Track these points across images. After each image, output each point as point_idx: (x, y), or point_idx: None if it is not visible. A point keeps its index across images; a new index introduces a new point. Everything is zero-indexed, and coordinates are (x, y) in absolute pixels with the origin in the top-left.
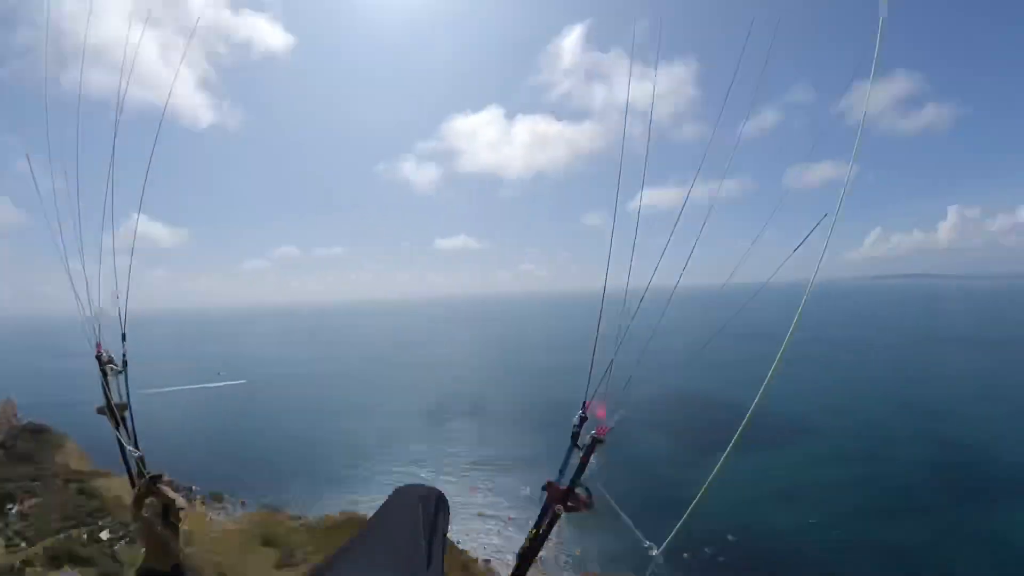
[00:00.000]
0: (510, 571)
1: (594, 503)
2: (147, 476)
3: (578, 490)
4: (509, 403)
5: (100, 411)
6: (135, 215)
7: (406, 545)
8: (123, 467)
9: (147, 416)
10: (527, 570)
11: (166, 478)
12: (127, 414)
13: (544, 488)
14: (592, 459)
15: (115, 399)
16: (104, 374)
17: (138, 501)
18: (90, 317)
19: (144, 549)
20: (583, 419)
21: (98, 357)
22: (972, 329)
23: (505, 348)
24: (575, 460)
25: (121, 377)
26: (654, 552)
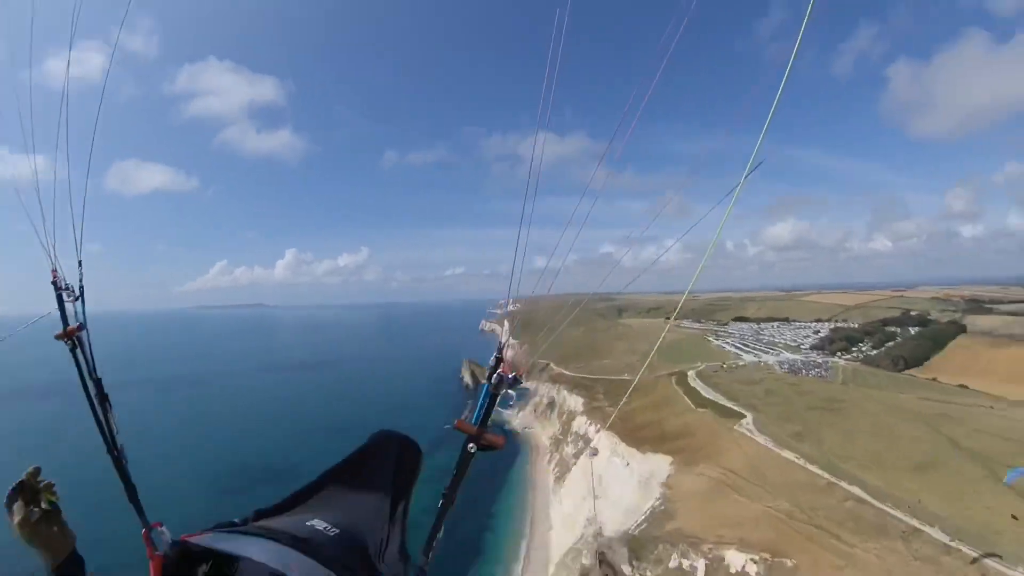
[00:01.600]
0: (435, 517)
1: (504, 441)
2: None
3: (490, 429)
4: None
5: (58, 337)
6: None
7: (376, 487)
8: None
9: None
10: (447, 512)
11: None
12: (83, 334)
13: (455, 428)
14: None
15: (71, 324)
16: (60, 300)
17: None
18: (46, 242)
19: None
20: (499, 360)
21: (54, 283)
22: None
23: None
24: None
25: (78, 303)
26: None
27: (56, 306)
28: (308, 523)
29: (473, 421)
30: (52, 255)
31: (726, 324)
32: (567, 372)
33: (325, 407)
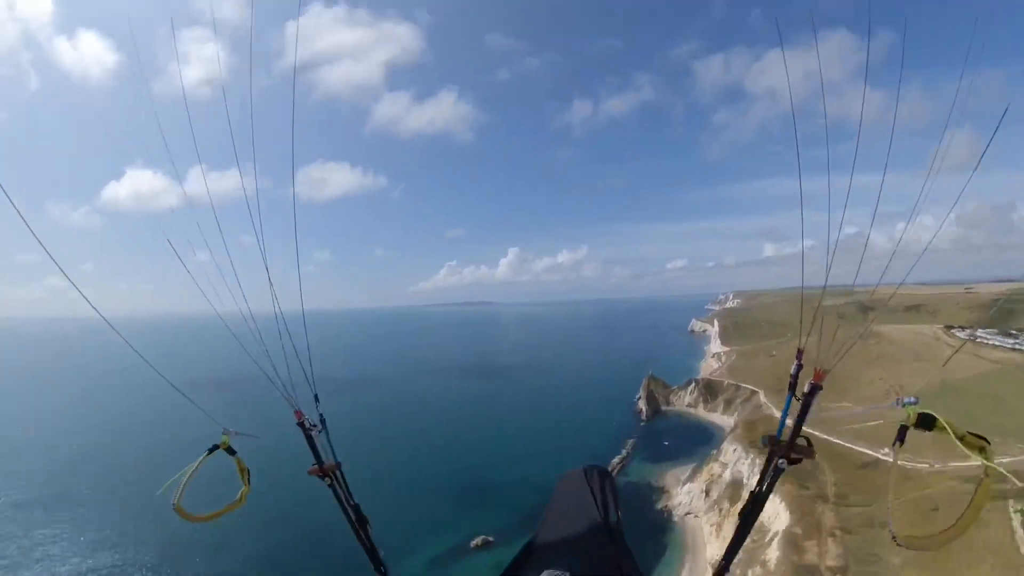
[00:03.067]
0: (733, 530)
1: (814, 451)
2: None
3: (799, 440)
4: None
5: (312, 472)
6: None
7: (584, 525)
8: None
9: None
10: (750, 528)
11: None
12: (338, 472)
13: (764, 443)
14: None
15: (325, 460)
16: (309, 438)
17: None
18: (288, 389)
19: None
20: (800, 367)
21: (300, 424)
22: None
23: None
24: (795, 411)
25: (323, 436)
26: None
27: (306, 444)
28: (541, 575)
29: (778, 434)
30: (294, 401)
31: None
32: (777, 413)
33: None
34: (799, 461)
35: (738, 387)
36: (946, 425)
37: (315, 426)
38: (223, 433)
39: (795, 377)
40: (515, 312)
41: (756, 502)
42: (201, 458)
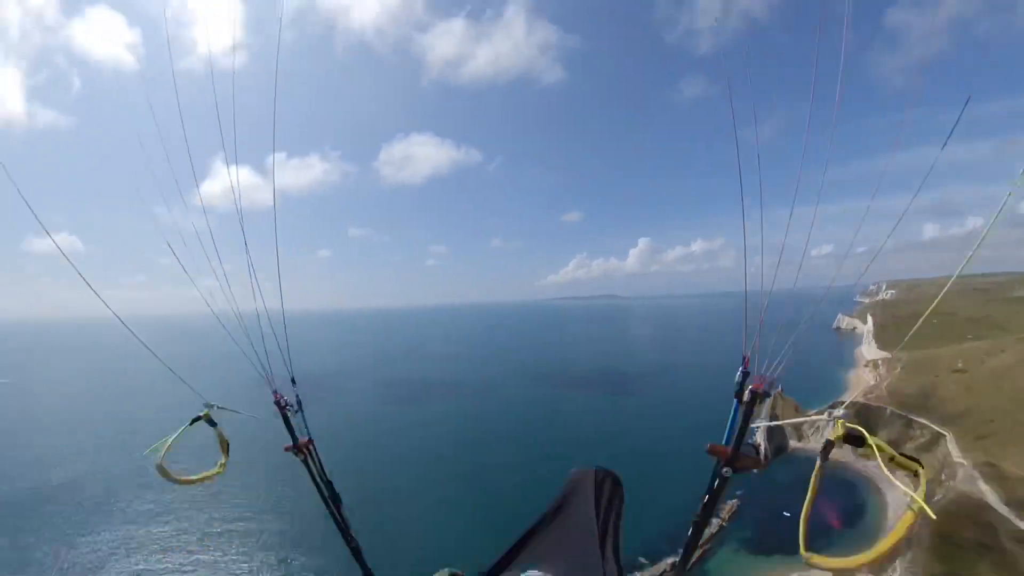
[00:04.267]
0: (684, 540)
1: (766, 459)
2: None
3: (744, 449)
4: None
5: (287, 449)
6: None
7: (582, 528)
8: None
9: None
10: (699, 538)
11: None
12: (312, 448)
13: (707, 451)
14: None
15: (299, 437)
16: (285, 417)
17: None
18: (265, 371)
19: None
20: (745, 374)
21: (277, 403)
22: None
23: None
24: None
25: (299, 416)
26: None
27: (282, 423)
28: (526, 573)
29: (726, 441)
30: (271, 380)
31: None
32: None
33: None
34: (746, 470)
35: (909, 421)
36: (874, 445)
37: (290, 406)
38: (205, 406)
39: (740, 383)
40: (643, 306)
41: (705, 511)
42: (183, 427)
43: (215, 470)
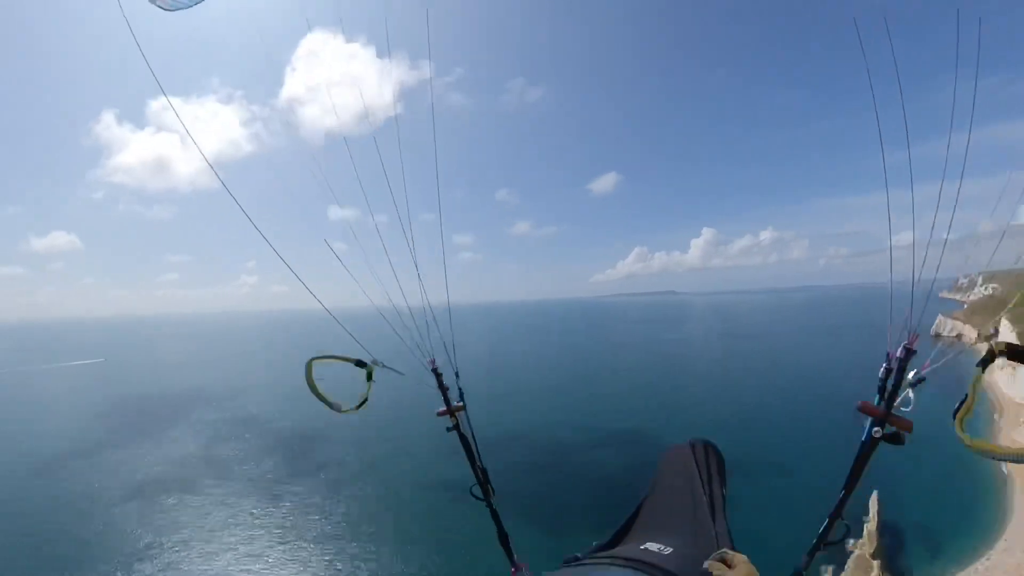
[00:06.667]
0: (828, 511)
1: (912, 427)
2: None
3: (896, 413)
4: None
5: (440, 414)
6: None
7: (690, 498)
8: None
9: None
10: (843, 507)
11: None
12: (464, 414)
13: (858, 408)
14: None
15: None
16: (440, 381)
17: None
18: (423, 337)
19: None
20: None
21: (433, 370)
22: None
23: None
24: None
25: (455, 381)
26: None
27: (437, 387)
28: (642, 547)
29: (877, 402)
30: (430, 347)
31: None
32: None
33: None
34: (900, 433)
35: None
36: None
37: (441, 374)
38: (372, 362)
39: (892, 348)
40: (702, 302)
41: (852, 477)
42: (351, 359)
43: (345, 408)
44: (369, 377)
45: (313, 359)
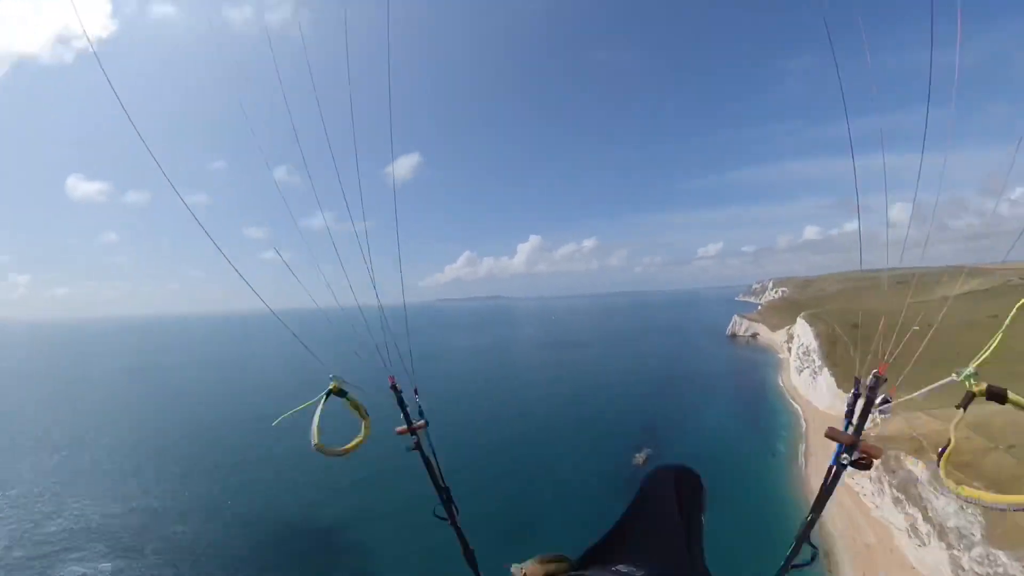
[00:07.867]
0: (795, 534)
1: (883, 453)
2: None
3: (864, 437)
4: None
5: (400, 432)
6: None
7: (667, 526)
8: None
9: None
10: (809, 531)
11: None
12: (425, 432)
13: (827, 436)
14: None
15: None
16: (400, 399)
17: None
18: (384, 356)
19: None
20: (866, 354)
21: (393, 387)
22: None
23: None
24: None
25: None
26: None
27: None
28: (614, 568)
29: (845, 428)
30: (388, 363)
31: None
32: None
33: None
34: (868, 459)
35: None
36: (1016, 401)
37: (401, 390)
38: (331, 378)
39: (864, 367)
40: (525, 307)
41: (818, 503)
42: (321, 401)
43: (363, 435)
44: (341, 394)
45: (313, 442)
